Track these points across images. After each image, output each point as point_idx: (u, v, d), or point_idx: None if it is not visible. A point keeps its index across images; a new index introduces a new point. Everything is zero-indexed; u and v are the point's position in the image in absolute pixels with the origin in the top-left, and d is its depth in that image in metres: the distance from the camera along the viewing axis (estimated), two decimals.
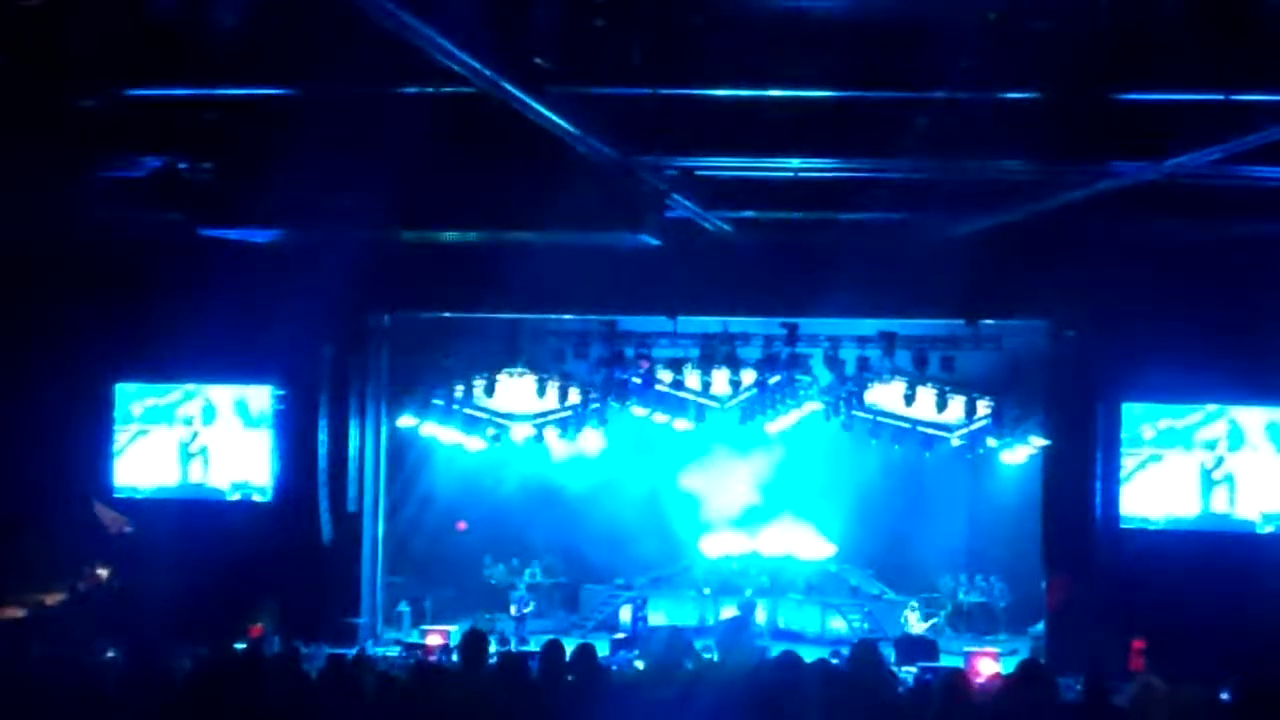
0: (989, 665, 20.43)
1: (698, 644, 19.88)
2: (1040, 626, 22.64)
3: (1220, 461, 21.42)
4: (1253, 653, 16.21)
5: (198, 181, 17.35)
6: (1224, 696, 11.27)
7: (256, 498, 23.58)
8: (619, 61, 12.87)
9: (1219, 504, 21.45)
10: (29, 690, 10.68)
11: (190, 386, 23.70)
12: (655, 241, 18.28)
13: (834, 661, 19.51)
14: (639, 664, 19.43)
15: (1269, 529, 21.27)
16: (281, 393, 23.36)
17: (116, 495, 23.56)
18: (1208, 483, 21.47)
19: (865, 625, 25.11)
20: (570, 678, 10.44)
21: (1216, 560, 20.69)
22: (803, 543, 27.39)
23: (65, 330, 21.64)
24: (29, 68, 13.21)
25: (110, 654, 14.86)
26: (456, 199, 17.26)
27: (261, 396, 23.53)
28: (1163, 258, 19.85)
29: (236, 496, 23.65)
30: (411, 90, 13.73)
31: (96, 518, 23.74)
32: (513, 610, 25.53)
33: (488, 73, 12.07)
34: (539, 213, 17.03)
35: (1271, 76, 12.45)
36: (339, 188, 15.47)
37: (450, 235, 19.61)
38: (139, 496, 23.59)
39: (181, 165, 17.21)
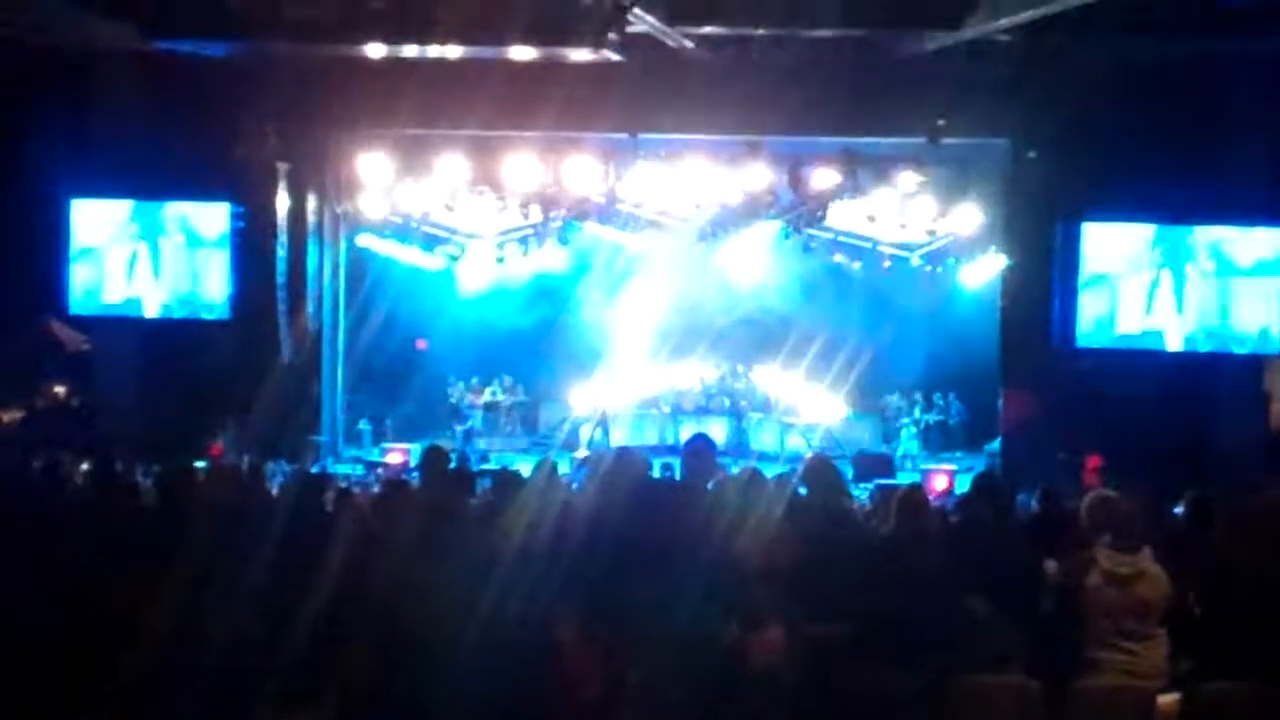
0: (944, 482, 20.73)
1: (657, 461, 20.04)
2: (996, 444, 22.88)
3: (1179, 281, 21.50)
4: (1203, 467, 16.45)
5: None
6: (1176, 510, 11.52)
7: (213, 315, 23.28)
8: None
9: (1172, 322, 21.56)
10: None
11: (146, 202, 23.30)
12: (616, 57, 18.09)
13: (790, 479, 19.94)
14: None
15: (1239, 349, 21.39)
16: (238, 210, 23.04)
17: (73, 313, 23.40)
18: (1163, 301, 21.56)
19: (821, 443, 25.38)
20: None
21: (1168, 378, 20.87)
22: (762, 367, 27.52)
23: (17, 144, 21.24)
24: None
25: (84, 467, 14.76)
26: (414, 13, 17.01)
27: (218, 213, 23.13)
28: (1126, 77, 19.71)
29: (193, 315, 23.35)
30: None
31: (53, 335, 23.62)
32: (464, 427, 25.83)
33: None
34: (498, 26, 16.82)
35: None
36: None
37: (408, 50, 19.34)
38: (95, 314, 23.38)
39: None
